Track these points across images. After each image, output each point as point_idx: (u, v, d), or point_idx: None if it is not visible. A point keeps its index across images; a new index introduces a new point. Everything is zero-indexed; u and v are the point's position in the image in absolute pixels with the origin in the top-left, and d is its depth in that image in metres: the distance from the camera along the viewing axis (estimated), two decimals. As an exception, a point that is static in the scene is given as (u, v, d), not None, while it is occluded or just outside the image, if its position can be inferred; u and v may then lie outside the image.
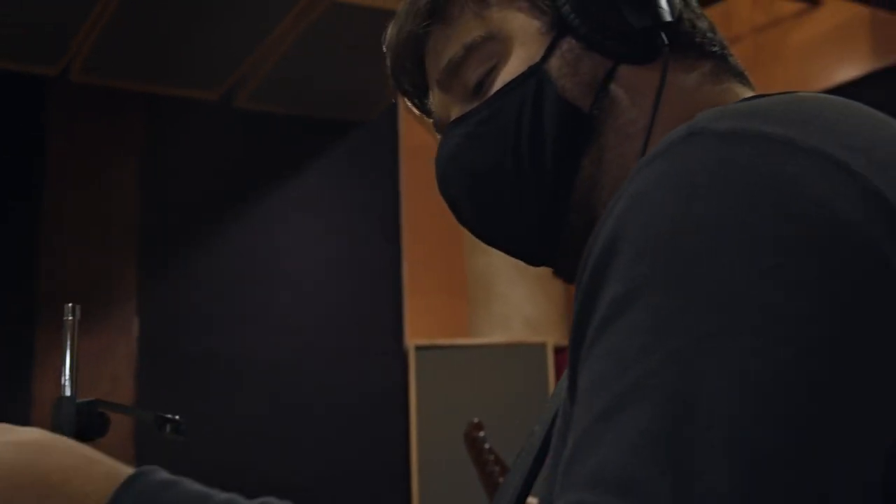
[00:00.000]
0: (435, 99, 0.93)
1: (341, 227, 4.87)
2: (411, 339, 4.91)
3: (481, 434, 2.07)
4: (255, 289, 4.63)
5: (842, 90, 4.64)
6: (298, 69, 4.39)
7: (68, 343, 0.99)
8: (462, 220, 0.91)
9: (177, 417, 1.06)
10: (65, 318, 0.99)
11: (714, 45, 0.88)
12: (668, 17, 0.84)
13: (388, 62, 0.95)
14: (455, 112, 0.90)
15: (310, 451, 4.53)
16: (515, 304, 5.14)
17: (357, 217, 4.93)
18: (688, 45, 0.86)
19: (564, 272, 0.90)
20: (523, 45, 0.86)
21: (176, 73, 4.40)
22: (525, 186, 0.85)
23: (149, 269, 4.44)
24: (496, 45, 0.87)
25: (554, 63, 0.85)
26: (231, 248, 4.64)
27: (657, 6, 0.84)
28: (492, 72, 0.87)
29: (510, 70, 0.86)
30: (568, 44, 0.85)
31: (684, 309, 0.58)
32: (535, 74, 0.85)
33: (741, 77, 0.89)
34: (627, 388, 0.57)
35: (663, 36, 0.84)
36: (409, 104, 0.98)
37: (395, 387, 4.80)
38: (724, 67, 0.88)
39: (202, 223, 4.61)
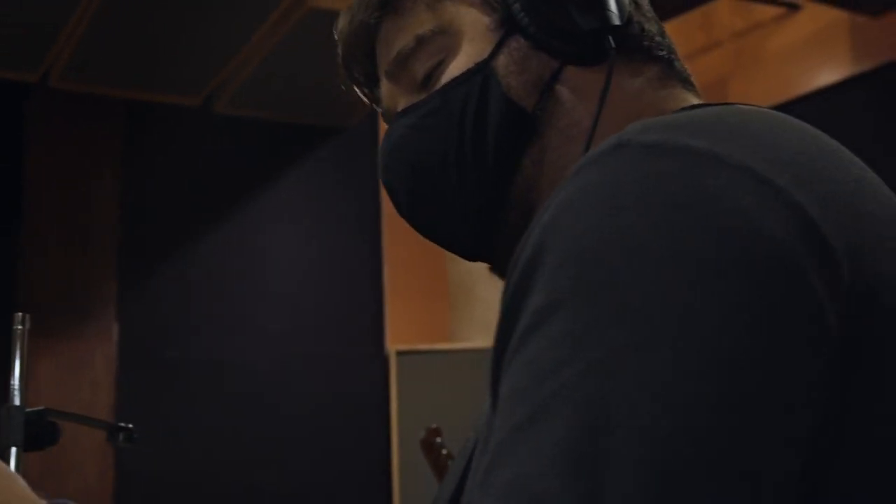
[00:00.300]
0: (384, 89, 0.93)
1: (322, 231, 4.87)
2: (392, 344, 4.91)
3: (438, 440, 2.07)
4: (236, 294, 4.63)
5: (822, 94, 4.65)
6: (278, 74, 4.39)
7: (18, 352, 0.99)
8: (401, 211, 0.91)
9: (129, 426, 1.06)
10: (14, 326, 0.99)
11: (662, 49, 0.89)
12: (616, 21, 0.85)
13: (340, 51, 0.96)
14: (402, 103, 0.91)
15: (291, 456, 4.53)
16: (497, 307, 5.13)
17: (338, 222, 4.93)
18: (635, 48, 0.87)
19: (500, 269, 0.90)
20: (472, 40, 0.87)
21: (156, 79, 4.39)
22: (465, 181, 0.86)
23: (129, 275, 4.44)
24: (446, 39, 0.88)
25: (501, 61, 0.86)
26: (211, 253, 4.64)
27: (606, 9, 0.85)
28: (440, 65, 0.88)
29: (458, 65, 0.87)
30: (516, 42, 0.86)
31: (603, 321, 0.58)
32: (481, 71, 0.85)
33: (686, 83, 0.90)
34: (544, 400, 0.58)
35: (610, 39, 0.84)
36: (359, 94, 0.99)
37: (376, 392, 4.80)
38: (671, 72, 0.89)
39: (182, 229, 4.61)
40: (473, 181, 0.86)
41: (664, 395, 0.56)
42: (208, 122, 4.66)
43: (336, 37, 0.96)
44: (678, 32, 5.10)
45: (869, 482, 0.61)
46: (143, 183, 4.54)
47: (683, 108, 0.82)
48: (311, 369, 4.69)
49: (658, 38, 0.89)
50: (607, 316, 0.58)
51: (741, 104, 0.77)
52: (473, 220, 0.87)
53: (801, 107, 4.62)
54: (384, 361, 4.86)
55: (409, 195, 0.90)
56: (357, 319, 4.88)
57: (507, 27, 0.86)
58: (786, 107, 4.64)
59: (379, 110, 0.96)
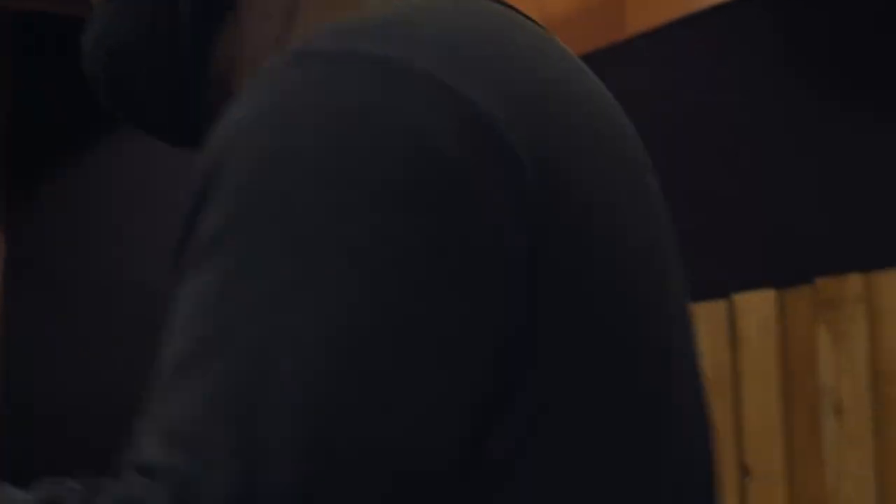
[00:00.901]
0: None
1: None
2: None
3: None
4: (129, 212, 4.56)
5: (723, 9, 4.65)
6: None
7: None
8: (104, 99, 0.88)
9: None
10: None
11: None
12: None
13: None
14: None
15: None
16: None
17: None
18: None
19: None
20: None
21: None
22: (161, 63, 0.83)
23: (18, 188, 4.35)
24: None
25: None
26: (109, 167, 4.56)
27: None
28: None
29: None
30: None
31: (265, 256, 0.56)
32: None
33: None
34: (205, 339, 0.55)
35: None
36: None
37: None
38: None
39: (76, 141, 4.52)
40: (170, 62, 0.83)
41: (322, 336, 0.54)
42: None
43: None
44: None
45: (564, 405, 0.60)
46: (34, 94, 4.44)
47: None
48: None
49: None
50: (268, 251, 0.56)
51: None
52: (172, 102, 0.84)
53: (701, 21, 4.61)
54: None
55: (110, 82, 0.86)
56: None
57: None
58: (686, 21, 4.63)
59: None
